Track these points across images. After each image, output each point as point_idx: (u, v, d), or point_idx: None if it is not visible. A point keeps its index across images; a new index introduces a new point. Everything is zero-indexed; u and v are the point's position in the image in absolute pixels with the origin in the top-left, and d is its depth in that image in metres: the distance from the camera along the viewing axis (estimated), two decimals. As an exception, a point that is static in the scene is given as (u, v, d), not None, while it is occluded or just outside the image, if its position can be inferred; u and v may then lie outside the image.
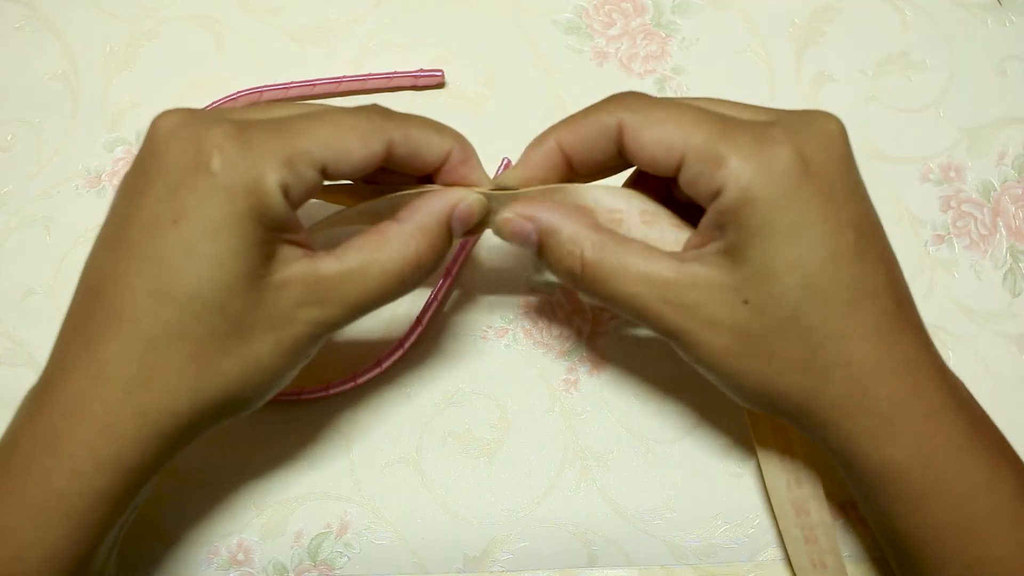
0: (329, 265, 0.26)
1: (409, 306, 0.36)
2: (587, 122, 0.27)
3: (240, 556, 0.34)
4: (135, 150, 0.38)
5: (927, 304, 0.36)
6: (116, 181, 0.38)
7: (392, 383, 0.36)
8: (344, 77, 0.38)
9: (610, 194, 0.28)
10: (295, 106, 0.28)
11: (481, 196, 0.29)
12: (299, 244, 0.26)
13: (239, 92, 0.38)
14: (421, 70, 0.38)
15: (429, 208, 0.28)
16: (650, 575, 0.34)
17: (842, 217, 0.25)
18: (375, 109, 0.27)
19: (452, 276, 0.36)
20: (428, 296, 0.36)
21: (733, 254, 0.25)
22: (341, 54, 0.39)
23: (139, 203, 0.25)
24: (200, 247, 0.24)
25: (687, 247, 0.27)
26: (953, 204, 0.38)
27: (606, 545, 0.34)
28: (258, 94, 0.38)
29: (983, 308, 0.36)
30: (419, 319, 0.35)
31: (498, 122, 0.39)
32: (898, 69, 0.39)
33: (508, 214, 0.29)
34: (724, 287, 0.26)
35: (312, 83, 0.38)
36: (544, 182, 0.29)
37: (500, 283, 0.37)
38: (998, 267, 0.37)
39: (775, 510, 0.32)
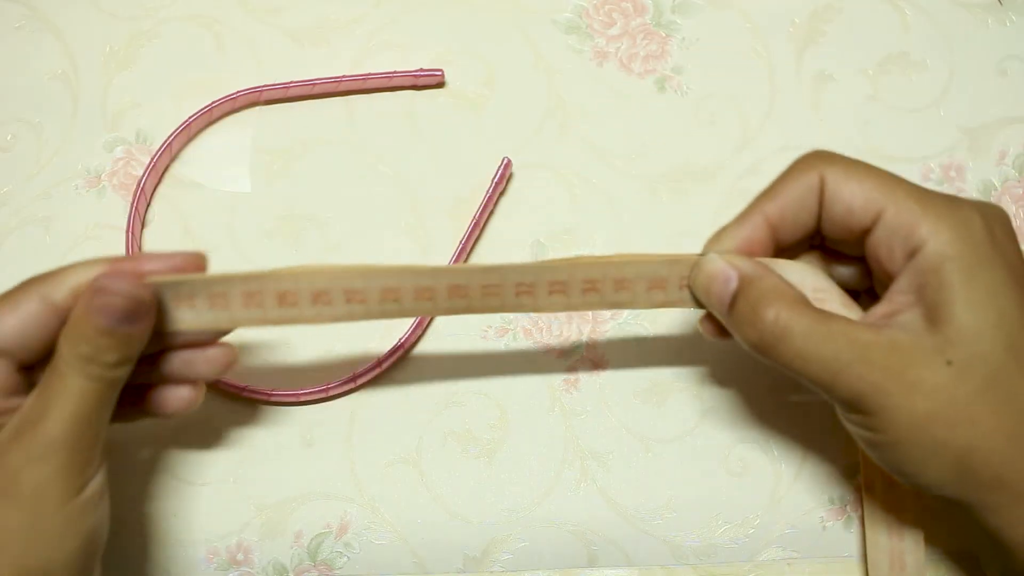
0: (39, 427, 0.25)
1: (409, 306, 0.36)
2: (789, 183, 0.28)
3: (240, 556, 0.34)
4: (135, 150, 0.38)
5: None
6: (116, 181, 0.38)
7: (392, 383, 0.36)
8: (344, 77, 0.38)
9: (812, 272, 0.29)
10: None
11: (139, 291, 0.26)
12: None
13: (239, 92, 0.38)
14: (421, 70, 0.38)
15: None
16: (650, 575, 0.34)
17: None
18: (28, 284, 0.27)
19: (452, 276, 0.36)
20: (428, 296, 0.36)
21: (934, 314, 0.26)
22: (341, 54, 0.39)
23: None
24: None
25: (871, 318, 0.27)
26: (953, 204, 0.38)
27: (606, 545, 0.34)
28: (258, 94, 0.38)
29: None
30: (419, 319, 0.35)
31: (498, 122, 0.39)
32: (898, 69, 0.39)
33: (714, 257, 0.28)
34: (926, 349, 0.25)
35: (312, 83, 0.38)
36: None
37: (500, 283, 0.37)
38: (998, 267, 0.37)
39: None
